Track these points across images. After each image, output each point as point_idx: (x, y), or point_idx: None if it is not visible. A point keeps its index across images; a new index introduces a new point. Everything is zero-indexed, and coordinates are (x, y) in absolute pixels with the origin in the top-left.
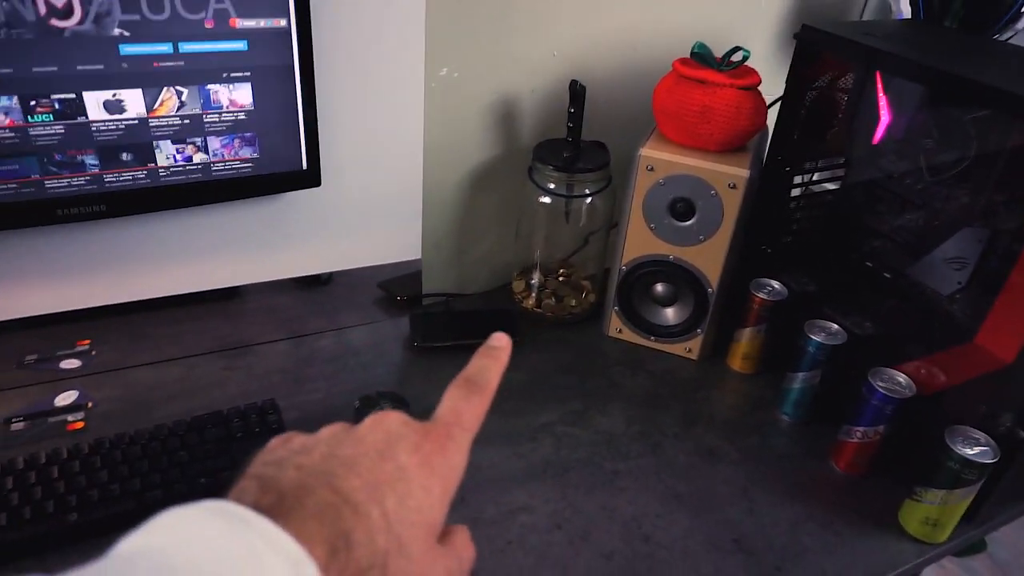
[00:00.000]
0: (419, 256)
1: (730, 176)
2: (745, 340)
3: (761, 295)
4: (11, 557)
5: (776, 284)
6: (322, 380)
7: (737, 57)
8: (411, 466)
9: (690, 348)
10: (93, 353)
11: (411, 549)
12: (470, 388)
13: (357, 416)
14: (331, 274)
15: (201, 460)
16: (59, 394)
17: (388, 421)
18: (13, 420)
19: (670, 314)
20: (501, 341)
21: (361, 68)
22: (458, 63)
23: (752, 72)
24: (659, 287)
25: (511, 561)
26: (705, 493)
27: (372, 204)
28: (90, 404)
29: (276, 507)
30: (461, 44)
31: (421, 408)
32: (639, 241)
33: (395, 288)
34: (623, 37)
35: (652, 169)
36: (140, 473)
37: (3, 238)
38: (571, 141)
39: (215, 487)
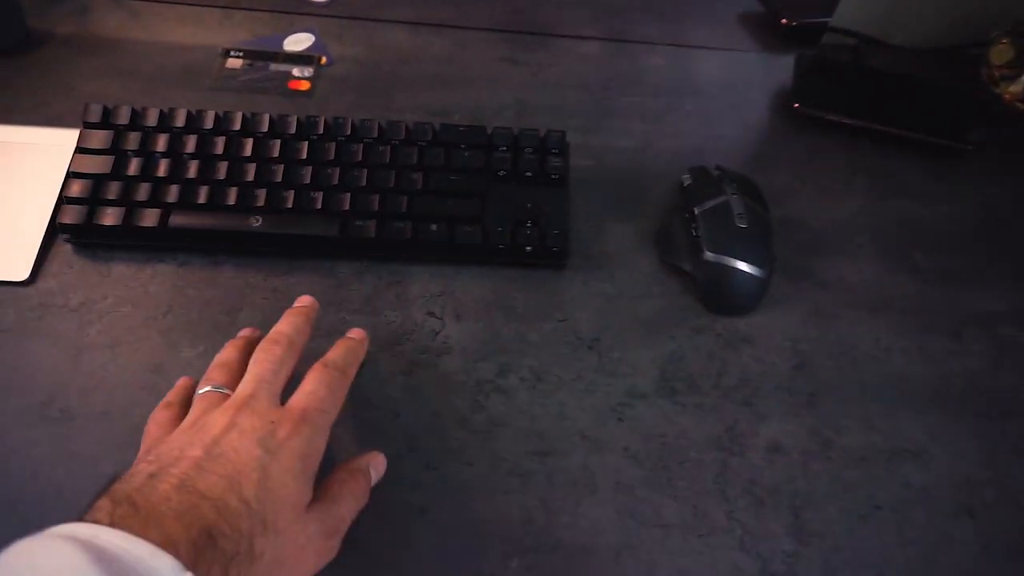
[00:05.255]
0: None
1: None
2: None
3: None
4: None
5: None
6: (639, 119)
7: None
8: (266, 454)
9: None
10: None
11: (278, 525)
12: (331, 373)
13: (682, 196)
14: None
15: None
16: (291, 33)
17: (240, 419)
18: (232, 53)
19: None
20: (359, 335)
21: None
22: None
23: None
24: None
25: None
26: None
27: None
28: (323, 59)
29: (131, 517)
30: None
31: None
32: None
33: (781, 3)
34: None
35: None
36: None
37: None
38: None
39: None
